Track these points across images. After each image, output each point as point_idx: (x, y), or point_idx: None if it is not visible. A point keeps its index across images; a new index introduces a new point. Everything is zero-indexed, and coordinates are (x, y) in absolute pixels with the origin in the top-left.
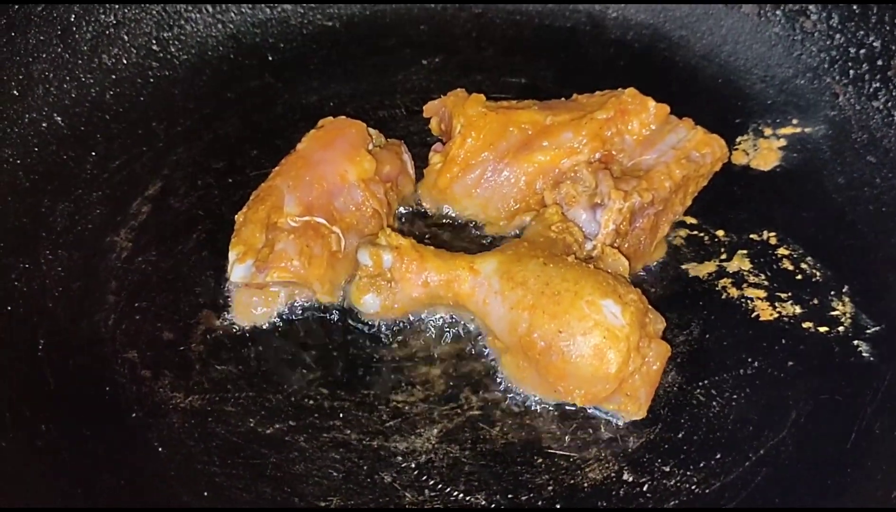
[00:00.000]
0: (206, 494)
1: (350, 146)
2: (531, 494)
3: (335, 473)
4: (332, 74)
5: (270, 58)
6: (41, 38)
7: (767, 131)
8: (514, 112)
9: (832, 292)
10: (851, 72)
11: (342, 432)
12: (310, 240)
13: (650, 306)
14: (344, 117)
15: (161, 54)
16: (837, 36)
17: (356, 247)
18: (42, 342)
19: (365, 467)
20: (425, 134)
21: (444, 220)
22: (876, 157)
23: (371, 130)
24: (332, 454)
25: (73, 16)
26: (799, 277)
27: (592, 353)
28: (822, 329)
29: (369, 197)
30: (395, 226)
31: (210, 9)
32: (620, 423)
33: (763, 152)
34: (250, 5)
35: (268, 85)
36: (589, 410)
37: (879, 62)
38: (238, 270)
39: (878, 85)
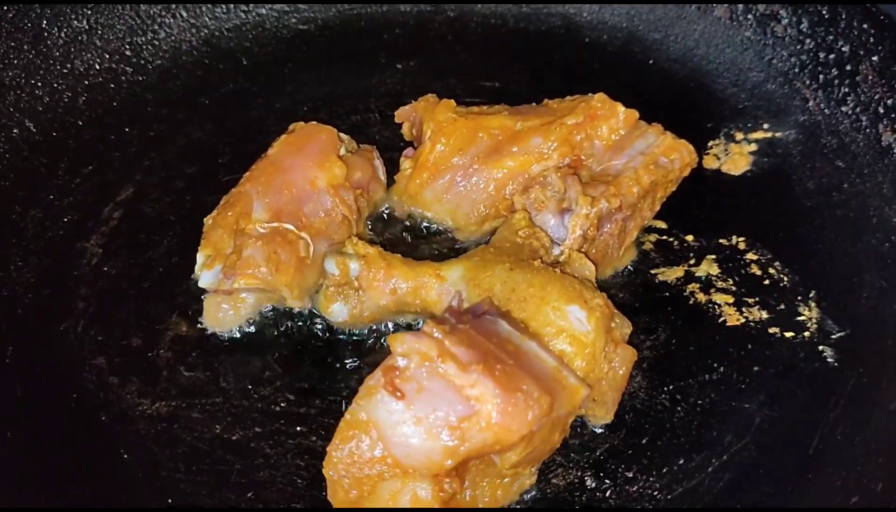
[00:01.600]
0: (170, 500)
1: (320, 152)
2: None
3: (300, 480)
4: (306, 79)
5: (244, 62)
6: (12, 43)
7: (739, 136)
8: (484, 117)
9: (799, 298)
10: (821, 77)
11: (308, 439)
12: (277, 246)
13: (616, 311)
14: (315, 123)
15: (134, 59)
16: (808, 41)
17: (324, 255)
18: (10, 349)
19: None
20: (399, 138)
21: (414, 226)
22: (844, 162)
23: (343, 136)
24: (297, 461)
25: (45, 21)
26: (766, 281)
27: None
28: (788, 334)
29: (339, 203)
30: (364, 232)
31: (184, 13)
32: (587, 428)
33: (734, 157)
34: (224, 9)
35: (242, 89)
36: None
37: (848, 67)
38: (206, 276)
39: (846, 90)
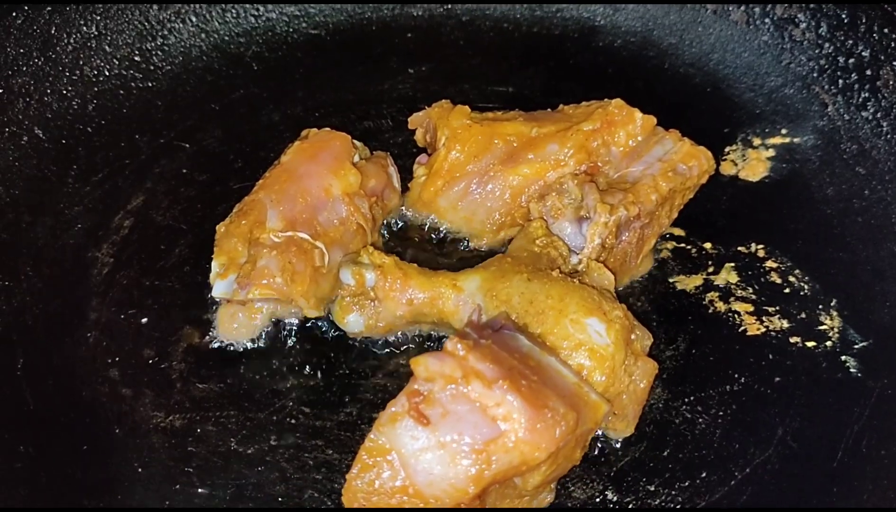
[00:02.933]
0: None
1: (335, 159)
2: None
3: (316, 494)
4: (317, 84)
5: (255, 67)
6: (21, 50)
7: (756, 141)
8: (499, 124)
9: (820, 306)
10: (840, 81)
11: (324, 452)
12: (292, 256)
13: (637, 322)
14: (329, 129)
15: (143, 65)
16: (826, 45)
17: (339, 264)
18: (21, 361)
19: None
20: (412, 144)
21: (429, 234)
22: (865, 168)
23: (356, 143)
24: (313, 475)
25: (54, 28)
26: (787, 290)
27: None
28: (810, 344)
29: (354, 212)
30: (379, 240)
31: (193, 18)
32: (607, 441)
33: (752, 163)
34: (234, 14)
35: (252, 95)
36: None
37: (868, 72)
38: (220, 286)
39: (867, 95)
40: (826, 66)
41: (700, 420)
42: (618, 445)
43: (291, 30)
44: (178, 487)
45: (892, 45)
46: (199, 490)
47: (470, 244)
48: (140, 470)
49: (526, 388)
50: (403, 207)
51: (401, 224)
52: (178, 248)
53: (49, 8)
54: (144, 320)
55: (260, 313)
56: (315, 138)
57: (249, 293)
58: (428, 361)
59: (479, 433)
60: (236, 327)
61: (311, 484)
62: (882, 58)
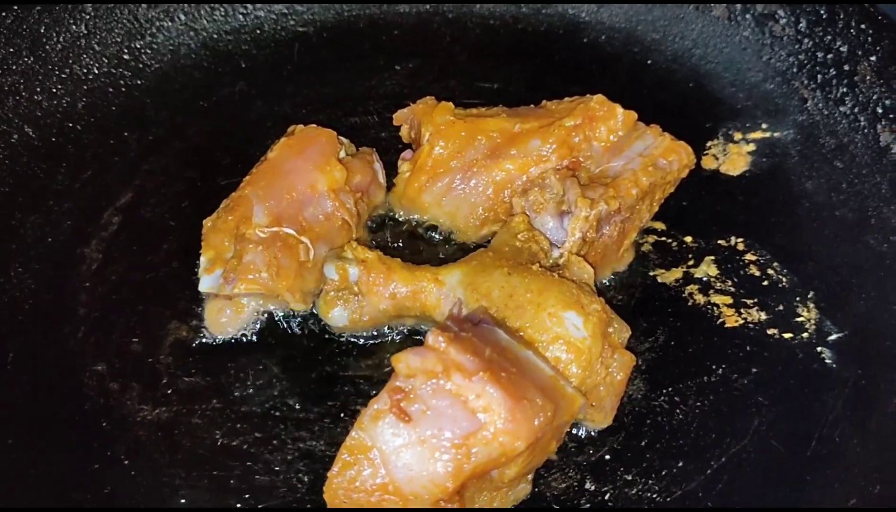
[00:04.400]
0: (170, 506)
1: (320, 155)
2: None
3: (300, 485)
4: (305, 81)
5: (243, 65)
6: (10, 49)
7: (737, 136)
8: (482, 120)
9: (797, 298)
10: (819, 76)
11: (308, 444)
12: (278, 251)
13: (615, 315)
14: (315, 126)
15: (132, 63)
16: (806, 40)
17: (324, 259)
18: (11, 355)
19: None
20: (398, 140)
21: (414, 229)
22: (843, 162)
23: (342, 139)
24: (297, 466)
25: (43, 27)
26: (765, 282)
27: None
28: (787, 335)
29: (339, 207)
30: (364, 235)
31: (182, 17)
32: (584, 431)
33: (733, 157)
34: (222, 12)
35: (241, 92)
36: None
37: (846, 67)
38: (207, 281)
39: (844, 90)
40: (805, 62)
41: (678, 411)
42: (596, 436)
43: (279, 27)
44: (164, 479)
45: (870, 40)
46: (186, 483)
47: (454, 239)
48: (126, 463)
49: (505, 379)
50: (388, 203)
51: (386, 219)
52: (165, 244)
53: (38, 7)
54: (132, 315)
55: (246, 308)
56: (301, 135)
57: (235, 288)
58: (408, 358)
59: (458, 427)
60: (223, 321)
61: (296, 476)
62: (859, 53)
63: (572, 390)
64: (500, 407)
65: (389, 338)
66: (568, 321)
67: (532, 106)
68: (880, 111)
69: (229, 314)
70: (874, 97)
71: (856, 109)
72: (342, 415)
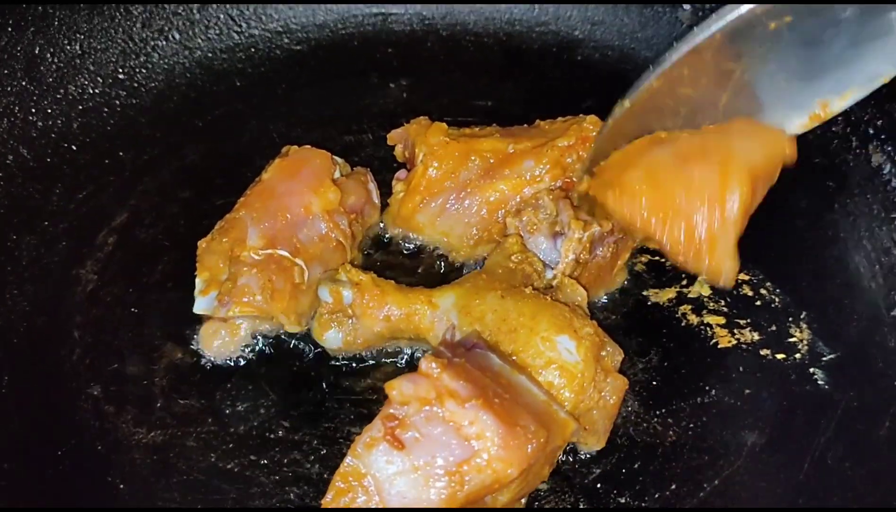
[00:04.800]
0: None
1: (315, 177)
2: None
3: (295, 509)
4: (299, 100)
5: (238, 84)
6: (5, 71)
7: None
8: (476, 140)
9: (790, 319)
10: None
11: (303, 466)
12: (272, 273)
13: (608, 338)
14: (309, 146)
15: (127, 83)
16: None
17: (318, 281)
18: (6, 379)
19: None
20: (393, 159)
21: (408, 249)
22: (835, 181)
23: (337, 159)
24: (292, 489)
25: (38, 48)
26: (758, 302)
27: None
28: (780, 356)
29: (333, 228)
30: (358, 256)
31: (177, 35)
32: (578, 454)
33: None
34: (217, 31)
35: (235, 111)
36: None
37: None
38: (201, 303)
39: None
40: None
41: (671, 432)
42: (589, 458)
43: (274, 46)
44: (159, 502)
45: None
46: (179, 506)
47: (449, 258)
48: (122, 486)
49: (498, 406)
50: (383, 223)
51: (380, 240)
52: (161, 265)
53: (33, 28)
54: (127, 337)
55: (241, 330)
56: (295, 156)
57: (230, 311)
58: (402, 385)
59: (451, 454)
60: (218, 344)
61: (291, 499)
62: None
63: (565, 415)
64: (494, 434)
65: (385, 360)
66: (561, 345)
67: (526, 126)
68: (872, 131)
69: (224, 336)
70: (866, 117)
71: (848, 129)
72: (337, 437)
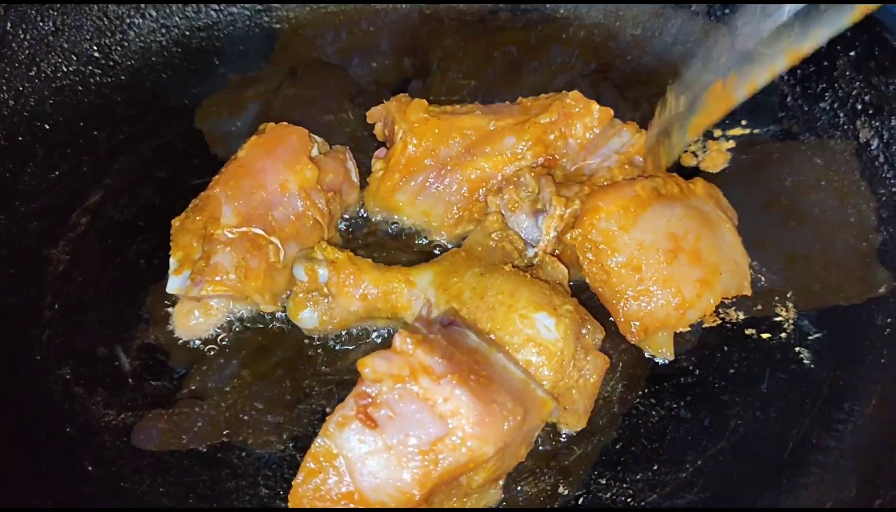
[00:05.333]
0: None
1: (291, 154)
2: None
3: (265, 490)
4: (278, 78)
5: (216, 62)
6: None
7: (717, 132)
8: (456, 117)
9: (776, 298)
10: (799, 72)
11: (274, 447)
12: (246, 252)
13: (589, 316)
14: (286, 124)
15: (102, 61)
16: None
17: (292, 261)
18: None
19: None
20: (373, 138)
21: (388, 229)
22: (822, 159)
23: (315, 137)
24: (264, 470)
25: (9, 24)
26: None
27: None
28: (765, 335)
29: (310, 206)
30: (336, 236)
31: (153, 13)
32: (559, 434)
33: (712, 154)
34: (195, 8)
35: (213, 90)
36: None
37: (825, 63)
38: (174, 282)
39: (824, 86)
40: None
41: (653, 413)
42: (571, 438)
43: (253, 24)
44: (127, 485)
45: (848, 35)
46: (149, 488)
47: (429, 238)
48: (90, 469)
49: (474, 382)
50: (362, 202)
51: (360, 220)
52: (134, 245)
53: (4, 5)
54: (99, 318)
55: (215, 309)
56: (272, 133)
57: (203, 290)
58: (375, 362)
59: (425, 433)
60: (192, 324)
61: (263, 481)
62: (838, 49)
63: (543, 394)
64: (469, 411)
65: (360, 340)
66: (539, 323)
67: (508, 103)
68: (860, 107)
69: (198, 316)
70: (853, 93)
71: (835, 105)
72: (312, 419)
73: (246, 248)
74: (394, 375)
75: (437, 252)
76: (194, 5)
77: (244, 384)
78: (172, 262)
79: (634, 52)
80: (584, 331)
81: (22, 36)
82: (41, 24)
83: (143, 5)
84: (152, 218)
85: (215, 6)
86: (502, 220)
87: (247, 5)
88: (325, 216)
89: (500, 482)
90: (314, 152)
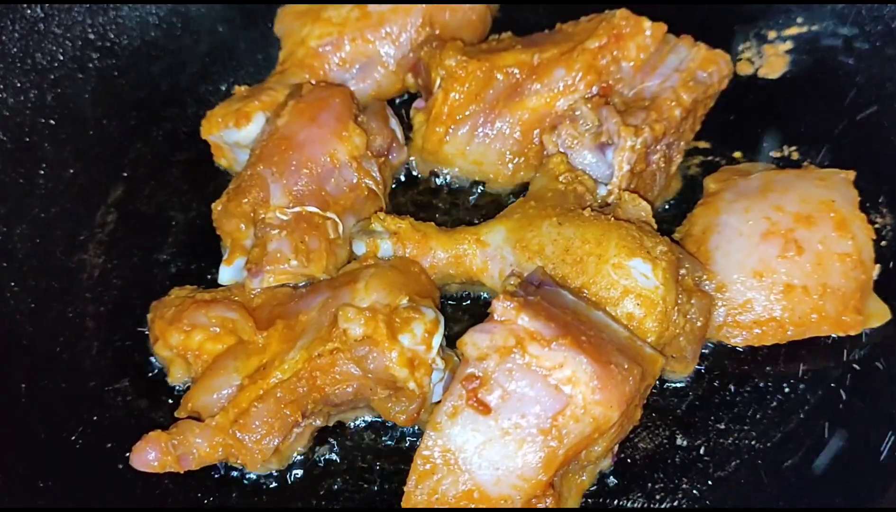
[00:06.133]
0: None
1: (336, 120)
2: None
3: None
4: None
5: (220, 29)
6: None
7: (771, 35)
8: (496, 55)
9: (868, 204)
10: None
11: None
12: (304, 233)
13: (684, 253)
14: (326, 84)
15: (99, 43)
16: None
17: (350, 233)
18: (23, 387)
19: None
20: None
21: (439, 184)
22: (894, 49)
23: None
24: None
25: None
26: None
27: (627, 324)
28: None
29: (364, 176)
30: (388, 202)
31: None
32: (665, 383)
33: (770, 59)
34: None
35: (223, 58)
36: None
37: None
38: (226, 272)
39: None
40: None
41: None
42: (678, 388)
43: None
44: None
45: None
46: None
47: (486, 189)
48: (166, 482)
49: (587, 344)
50: (409, 159)
51: (406, 177)
52: (170, 237)
53: None
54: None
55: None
56: (312, 96)
57: (264, 281)
58: (475, 338)
59: (543, 408)
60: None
61: None
62: None
63: (651, 350)
64: (588, 376)
65: None
66: (635, 270)
67: (547, 31)
68: None
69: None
70: None
71: None
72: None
73: (303, 228)
74: (499, 347)
75: (498, 205)
76: None
77: None
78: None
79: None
80: (682, 271)
81: (11, 27)
82: (28, 11)
83: None
84: (182, 205)
85: None
86: (567, 160)
87: None
88: (378, 184)
89: (615, 447)
90: (358, 115)
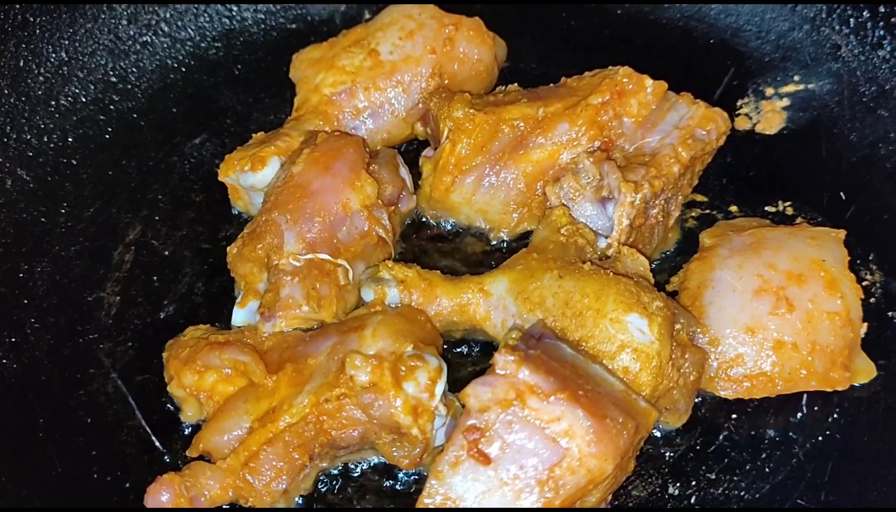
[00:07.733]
0: None
1: (350, 170)
2: None
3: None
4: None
5: (236, 72)
6: None
7: (769, 91)
8: (503, 108)
9: (858, 261)
10: (852, 20)
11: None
12: (315, 280)
13: (680, 308)
14: (339, 133)
15: (120, 85)
16: None
17: (359, 280)
18: (41, 422)
19: None
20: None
21: (444, 231)
22: (887, 110)
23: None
24: None
25: (21, 60)
26: None
27: (623, 377)
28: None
29: (374, 224)
30: (396, 248)
31: (165, 28)
32: (658, 433)
33: (767, 115)
34: (207, 18)
35: (239, 101)
36: None
37: (882, 8)
38: (240, 315)
39: (881, 32)
40: (835, 6)
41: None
42: (671, 437)
43: (268, 27)
44: None
45: None
46: None
47: (489, 237)
48: None
49: (584, 398)
50: (417, 206)
51: (413, 221)
52: (185, 277)
53: (13, 40)
54: (163, 360)
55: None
56: (326, 146)
57: (276, 326)
58: (477, 390)
59: (540, 460)
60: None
61: None
62: None
63: (645, 404)
64: (583, 429)
65: None
66: (632, 326)
67: (552, 85)
68: None
69: None
70: None
71: (895, 52)
72: None
73: (314, 275)
74: (500, 400)
75: (498, 252)
76: (206, 16)
77: None
78: (237, 292)
79: (669, 14)
80: (677, 326)
81: (36, 71)
82: (53, 55)
83: (153, 22)
84: (198, 246)
85: (227, 14)
86: (569, 213)
87: (259, 8)
88: (388, 231)
89: (609, 497)
90: (369, 165)
